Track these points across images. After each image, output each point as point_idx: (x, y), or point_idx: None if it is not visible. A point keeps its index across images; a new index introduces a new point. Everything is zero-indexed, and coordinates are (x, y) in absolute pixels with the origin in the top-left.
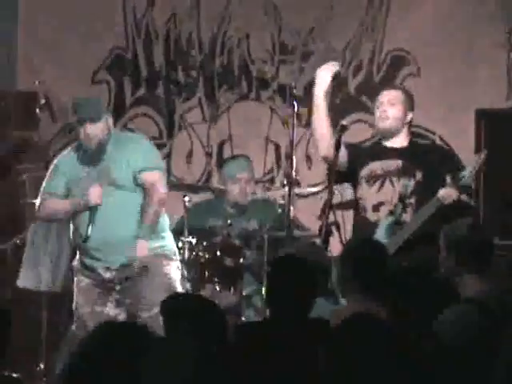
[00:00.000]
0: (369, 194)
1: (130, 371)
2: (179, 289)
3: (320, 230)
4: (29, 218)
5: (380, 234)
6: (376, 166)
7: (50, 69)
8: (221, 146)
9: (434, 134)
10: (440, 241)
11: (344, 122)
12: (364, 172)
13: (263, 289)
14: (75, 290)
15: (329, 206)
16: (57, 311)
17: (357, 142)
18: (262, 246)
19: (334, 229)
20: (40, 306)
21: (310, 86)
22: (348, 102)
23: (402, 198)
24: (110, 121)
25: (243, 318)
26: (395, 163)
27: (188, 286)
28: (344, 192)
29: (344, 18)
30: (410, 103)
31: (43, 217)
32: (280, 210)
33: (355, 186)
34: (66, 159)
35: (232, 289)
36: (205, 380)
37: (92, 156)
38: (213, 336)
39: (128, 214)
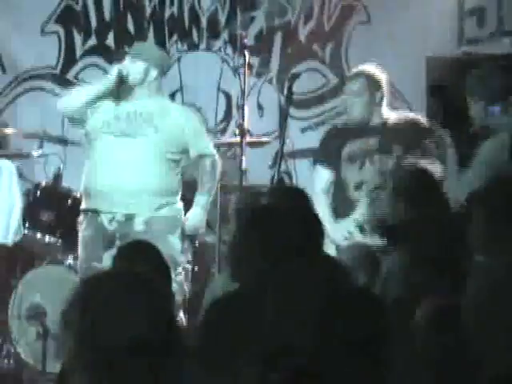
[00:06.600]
0: (350, 174)
1: None
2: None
3: (272, 180)
4: None
5: (361, 212)
6: (355, 146)
7: None
8: (172, 96)
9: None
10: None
11: (295, 71)
12: (344, 152)
13: None
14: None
15: (281, 156)
16: (8, 264)
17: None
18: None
19: (286, 178)
20: None
21: (260, 35)
22: (299, 50)
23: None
24: None
25: None
26: (373, 141)
27: None
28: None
29: None
30: (376, 83)
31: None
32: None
33: (337, 166)
34: None
35: None
36: None
37: None
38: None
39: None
